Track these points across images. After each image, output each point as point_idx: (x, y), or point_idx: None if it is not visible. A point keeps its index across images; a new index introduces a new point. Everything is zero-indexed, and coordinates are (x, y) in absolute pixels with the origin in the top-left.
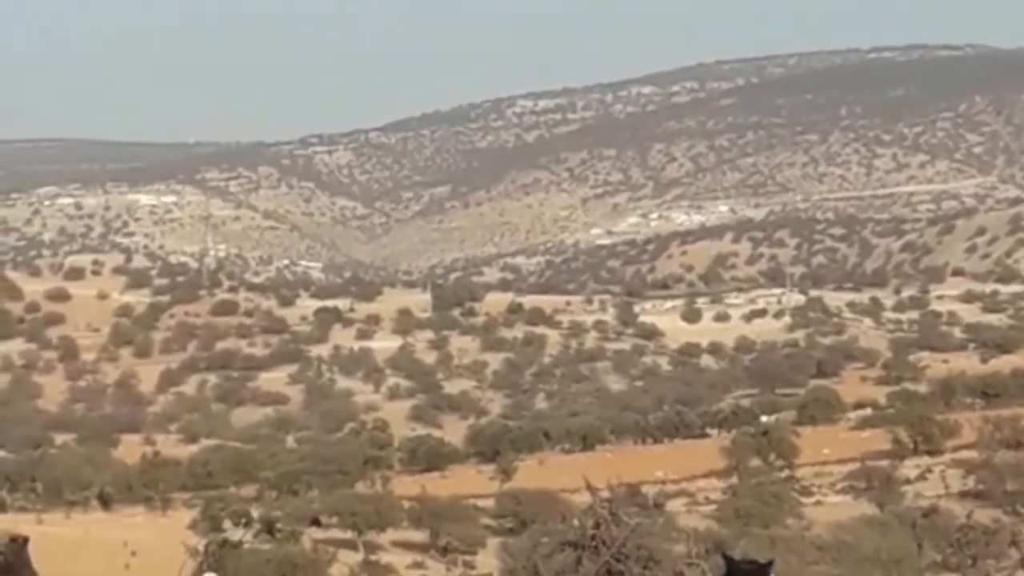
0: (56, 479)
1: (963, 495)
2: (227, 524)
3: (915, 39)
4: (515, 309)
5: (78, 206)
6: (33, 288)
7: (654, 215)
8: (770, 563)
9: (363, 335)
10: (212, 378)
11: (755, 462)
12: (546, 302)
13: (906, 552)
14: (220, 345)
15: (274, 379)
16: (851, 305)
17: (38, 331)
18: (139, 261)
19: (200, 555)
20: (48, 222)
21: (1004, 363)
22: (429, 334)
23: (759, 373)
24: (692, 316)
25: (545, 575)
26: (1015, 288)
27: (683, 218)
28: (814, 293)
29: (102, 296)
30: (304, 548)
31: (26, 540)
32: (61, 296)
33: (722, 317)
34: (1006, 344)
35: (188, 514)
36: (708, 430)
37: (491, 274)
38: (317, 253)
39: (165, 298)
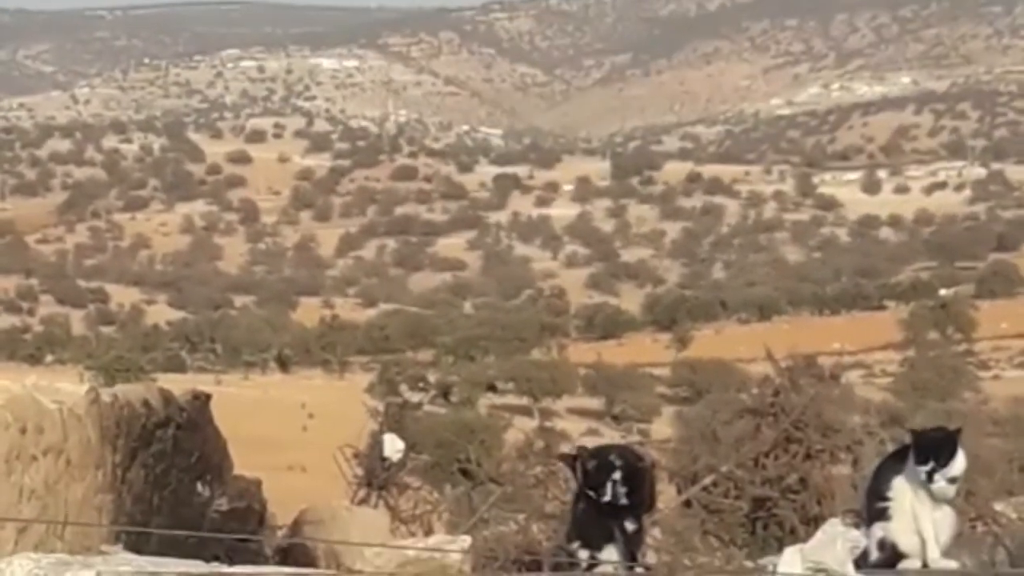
0: (235, 340)
1: None
2: (404, 388)
3: None
4: (694, 178)
5: (260, 69)
6: (215, 150)
7: (835, 86)
8: (958, 431)
9: (542, 202)
10: (391, 243)
11: (933, 335)
12: (725, 172)
13: None
14: (399, 210)
15: (452, 245)
16: None
17: (219, 193)
18: (320, 125)
19: (380, 416)
20: (230, 85)
21: None
22: (607, 202)
23: (939, 246)
24: (872, 188)
25: (723, 442)
26: None
27: (864, 89)
28: (996, 166)
29: (283, 159)
30: (480, 413)
31: (208, 397)
32: (242, 159)
33: (902, 189)
34: None
35: (365, 377)
36: (886, 302)
37: (670, 143)
38: (497, 120)
39: (345, 162)
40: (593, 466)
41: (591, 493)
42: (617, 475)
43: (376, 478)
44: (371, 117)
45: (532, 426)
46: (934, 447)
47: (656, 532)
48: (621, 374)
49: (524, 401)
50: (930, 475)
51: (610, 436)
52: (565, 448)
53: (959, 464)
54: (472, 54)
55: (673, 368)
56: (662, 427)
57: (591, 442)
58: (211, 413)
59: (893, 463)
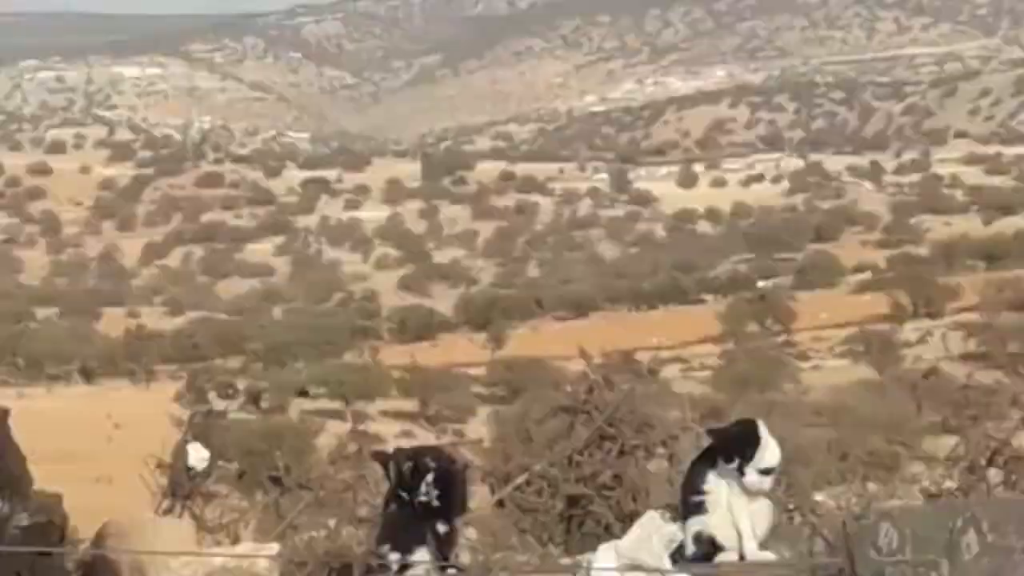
0: (38, 353)
1: (964, 357)
2: (213, 396)
3: None
4: (507, 177)
5: (60, 80)
6: (14, 163)
7: (649, 81)
8: (754, 421)
9: (351, 205)
10: (197, 250)
11: (752, 327)
12: (539, 170)
13: (905, 414)
14: (205, 217)
15: (260, 250)
16: (851, 169)
17: (20, 205)
18: (122, 134)
19: (184, 425)
20: (29, 96)
21: (1007, 225)
22: (419, 203)
23: (756, 238)
24: (688, 182)
25: (537, 441)
26: (1019, 150)
27: (679, 84)
28: (813, 157)
29: (84, 170)
30: (291, 419)
31: (7, 412)
32: (43, 170)
33: (719, 183)
34: (1009, 206)
35: (173, 386)
36: (704, 296)
37: (483, 143)
38: (304, 124)
39: (149, 171)
40: (408, 468)
41: (404, 495)
42: (430, 477)
43: (181, 488)
44: (175, 125)
45: (345, 429)
46: (735, 442)
47: (471, 532)
48: (436, 375)
49: (336, 405)
50: (740, 470)
51: (424, 437)
52: (379, 448)
53: (771, 455)
54: (278, 59)
55: (489, 367)
56: (477, 427)
57: (405, 444)
58: (10, 428)
59: (708, 457)
